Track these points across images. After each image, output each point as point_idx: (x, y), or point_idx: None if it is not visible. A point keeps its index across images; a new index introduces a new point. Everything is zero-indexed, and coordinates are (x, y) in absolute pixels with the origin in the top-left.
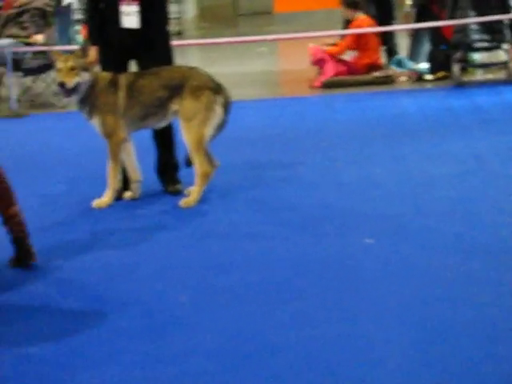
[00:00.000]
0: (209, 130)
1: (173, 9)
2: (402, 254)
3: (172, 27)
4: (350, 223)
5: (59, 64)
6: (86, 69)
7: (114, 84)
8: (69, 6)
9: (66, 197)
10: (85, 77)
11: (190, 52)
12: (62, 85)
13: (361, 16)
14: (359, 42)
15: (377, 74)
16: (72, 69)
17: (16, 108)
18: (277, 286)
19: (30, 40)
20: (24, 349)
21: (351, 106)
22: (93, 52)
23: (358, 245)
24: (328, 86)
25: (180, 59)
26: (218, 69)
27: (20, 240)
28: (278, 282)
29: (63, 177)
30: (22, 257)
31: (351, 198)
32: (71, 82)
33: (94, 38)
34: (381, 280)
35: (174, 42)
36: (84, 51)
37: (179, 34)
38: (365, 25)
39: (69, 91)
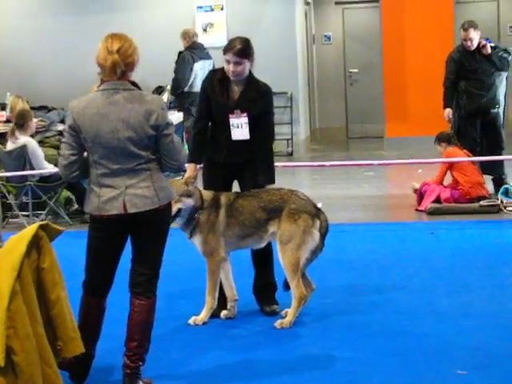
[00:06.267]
0: (305, 254)
1: (285, 130)
2: None
3: (283, 148)
4: (443, 353)
5: None
6: (189, 195)
7: (215, 203)
8: (181, 123)
9: (162, 312)
10: (187, 203)
11: (300, 172)
12: None
13: (451, 149)
14: (453, 172)
15: (483, 202)
16: None
17: None
18: None
19: None
20: None
21: (455, 234)
22: (190, 170)
23: (451, 376)
24: (433, 213)
25: (290, 179)
26: (325, 191)
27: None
28: None
29: (162, 292)
30: None
31: (446, 326)
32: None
33: (195, 155)
34: None
35: (285, 163)
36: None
37: (290, 155)
38: (456, 155)
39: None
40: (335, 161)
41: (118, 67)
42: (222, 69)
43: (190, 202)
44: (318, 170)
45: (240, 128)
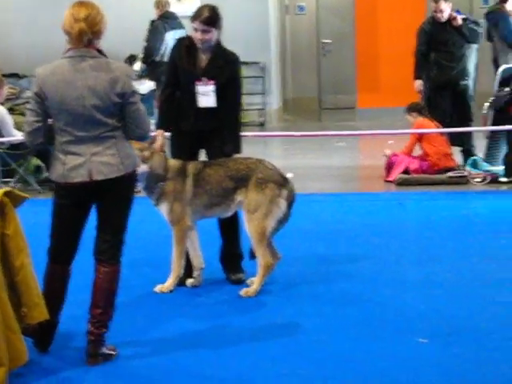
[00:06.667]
0: (271, 223)
1: (257, 100)
2: (455, 356)
3: (255, 118)
4: (405, 322)
5: None
6: (143, 161)
7: (182, 172)
8: (152, 92)
9: (128, 280)
10: (140, 169)
11: (272, 142)
12: None
13: (421, 119)
14: (423, 143)
15: (451, 173)
16: None
17: None
18: (324, 380)
19: None
20: None
21: (423, 205)
22: (160, 137)
23: (412, 344)
24: (401, 183)
25: (261, 149)
26: (296, 161)
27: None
28: (326, 376)
29: (128, 260)
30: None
31: (411, 296)
32: None
33: (163, 121)
34: (431, 380)
35: (256, 133)
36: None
37: (262, 125)
38: (426, 126)
39: None
40: (307, 131)
41: (85, 35)
42: (190, 37)
43: (143, 168)
44: (290, 141)
45: (207, 96)
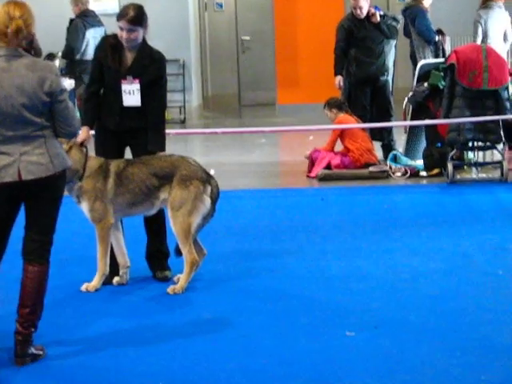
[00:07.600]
0: (196, 220)
1: (177, 97)
2: (382, 347)
3: (176, 115)
4: (332, 315)
5: None
6: None
7: (104, 170)
8: (72, 90)
9: (55, 279)
10: None
11: (192, 140)
12: None
13: (342, 115)
14: (344, 139)
15: (372, 168)
16: None
17: None
18: (253, 375)
19: None
20: None
21: (345, 200)
22: (84, 133)
23: (339, 337)
24: (323, 179)
25: (182, 146)
26: (218, 158)
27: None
28: (255, 371)
29: (55, 259)
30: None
31: (336, 290)
32: None
33: (87, 119)
34: (359, 372)
35: (177, 131)
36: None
37: (183, 123)
38: (347, 122)
39: None
40: (227, 128)
41: (21, 33)
42: (115, 35)
43: None
44: (211, 137)
45: (132, 94)
